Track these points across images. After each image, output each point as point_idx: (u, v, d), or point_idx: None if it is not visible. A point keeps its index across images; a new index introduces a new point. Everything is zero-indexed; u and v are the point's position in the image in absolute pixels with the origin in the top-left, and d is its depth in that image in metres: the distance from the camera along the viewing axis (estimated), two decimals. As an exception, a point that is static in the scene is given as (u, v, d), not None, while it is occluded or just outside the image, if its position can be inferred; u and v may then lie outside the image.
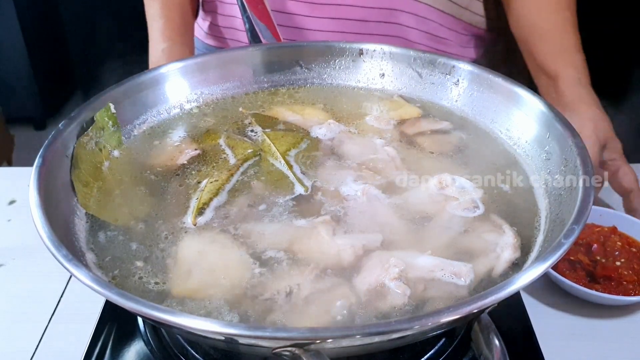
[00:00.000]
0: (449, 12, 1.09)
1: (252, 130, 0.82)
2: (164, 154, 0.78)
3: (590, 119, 0.88)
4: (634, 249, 0.82)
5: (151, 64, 1.02)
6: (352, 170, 0.75)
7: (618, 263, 0.79)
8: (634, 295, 0.76)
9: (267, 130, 0.81)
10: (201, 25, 1.22)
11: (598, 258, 0.80)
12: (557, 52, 0.98)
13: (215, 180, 0.72)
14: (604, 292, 0.76)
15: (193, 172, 0.75)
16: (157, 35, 1.05)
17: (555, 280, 0.78)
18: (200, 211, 0.68)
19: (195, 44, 1.24)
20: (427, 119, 0.85)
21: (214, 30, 1.18)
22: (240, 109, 0.86)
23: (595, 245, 0.81)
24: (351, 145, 0.80)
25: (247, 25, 0.98)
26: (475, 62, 1.17)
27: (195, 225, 0.67)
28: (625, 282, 0.77)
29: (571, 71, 0.95)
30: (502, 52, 1.20)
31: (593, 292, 0.75)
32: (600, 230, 0.84)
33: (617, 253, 0.80)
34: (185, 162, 0.76)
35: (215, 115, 0.86)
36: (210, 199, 0.69)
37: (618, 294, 0.76)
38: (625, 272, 0.78)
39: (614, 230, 0.84)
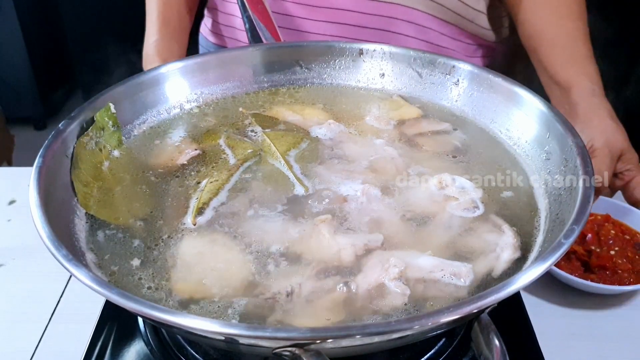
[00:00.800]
0: (452, 22, 1.06)
1: (252, 130, 0.82)
2: (164, 154, 0.78)
3: (603, 131, 0.85)
4: (627, 237, 0.82)
5: (144, 55, 1.03)
6: (352, 170, 0.75)
7: (612, 252, 0.79)
8: (629, 284, 0.76)
9: (267, 130, 0.81)
10: (205, 22, 1.22)
11: (592, 248, 0.80)
12: (569, 61, 0.94)
13: (215, 180, 0.72)
14: (599, 282, 0.76)
15: (193, 173, 0.75)
16: (151, 28, 1.06)
17: (550, 272, 0.78)
18: (200, 211, 0.68)
19: (200, 42, 1.24)
20: (427, 120, 0.85)
21: (215, 27, 1.18)
22: (241, 109, 0.86)
23: (589, 235, 0.81)
24: (351, 146, 0.80)
25: (247, 25, 0.98)
26: None
27: (195, 225, 0.67)
28: (620, 271, 0.77)
29: (584, 81, 0.91)
30: (511, 62, 1.18)
31: (588, 282, 0.76)
32: (594, 219, 0.84)
33: (611, 242, 0.80)
34: (185, 162, 0.76)
35: (215, 115, 0.86)
36: (210, 199, 0.69)
37: (613, 283, 0.76)
38: (620, 261, 0.78)
39: (607, 218, 0.84)
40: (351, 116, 0.86)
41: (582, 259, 0.80)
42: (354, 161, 0.77)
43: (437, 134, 0.82)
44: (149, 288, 0.60)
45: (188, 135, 0.82)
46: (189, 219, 0.67)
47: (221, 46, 1.18)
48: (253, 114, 0.85)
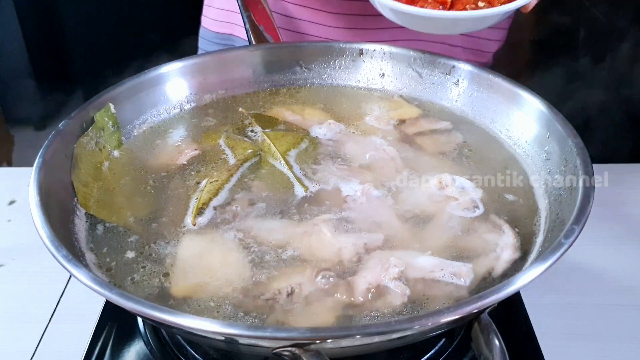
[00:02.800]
0: None
1: (252, 131, 0.82)
2: (164, 154, 0.78)
3: None
4: None
5: None
6: (352, 170, 0.75)
7: None
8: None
9: (267, 130, 0.81)
10: (206, 13, 1.20)
11: None
12: None
13: (215, 181, 0.72)
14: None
15: (193, 173, 0.75)
16: None
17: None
18: (200, 211, 0.68)
19: (202, 34, 1.22)
20: (427, 119, 0.84)
21: (219, 15, 1.16)
22: (240, 109, 0.86)
23: None
24: (351, 145, 0.80)
25: (247, 25, 0.97)
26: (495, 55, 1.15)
27: (194, 225, 0.67)
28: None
29: None
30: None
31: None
32: None
33: None
34: (185, 162, 0.76)
35: (215, 115, 0.86)
36: (210, 199, 0.69)
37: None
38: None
39: None
40: (351, 116, 0.86)
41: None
42: (354, 161, 0.77)
43: (437, 133, 0.82)
44: (151, 287, 0.60)
45: (188, 135, 0.82)
46: (188, 220, 0.67)
47: (228, 35, 1.16)
48: (253, 114, 0.85)
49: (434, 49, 1.07)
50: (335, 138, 0.81)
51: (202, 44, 1.21)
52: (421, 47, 1.06)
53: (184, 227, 0.67)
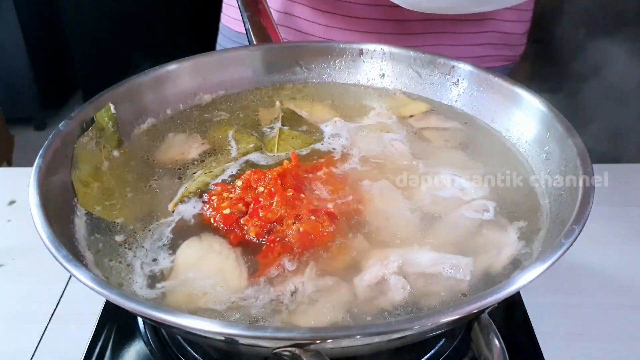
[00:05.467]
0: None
1: (270, 127, 0.82)
2: (164, 155, 0.78)
3: None
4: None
5: None
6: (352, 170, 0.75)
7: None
8: None
9: (284, 127, 0.81)
10: (225, 11, 1.20)
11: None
12: None
13: (209, 172, 0.72)
14: None
15: (193, 173, 0.75)
16: None
17: None
18: (183, 200, 0.68)
19: (222, 31, 1.22)
20: (435, 116, 0.84)
21: (237, 14, 1.16)
22: (278, 102, 0.86)
23: None
24: (358, 143, 0.79)
25: (247, 26, 0.97)
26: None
27: (173, 212, 0.67)
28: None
29: None
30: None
31: None
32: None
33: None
34: (185, 162, 0.76)
35: (215, 115, 0.86)
36: (197, 189, 0.70)
37: None
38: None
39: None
40: (357, 113, 0.85)
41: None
42: (356, 159, 0.76)
43: (439, 130, 0.82)
44: (151, 288, 0.60)
45: (188, 136, 0.82)
46: (169, 205, 0.67)
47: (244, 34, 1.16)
48: (285, 108, 0.85)
49: (459, 51, 1.06)
50: (341, 135, 0.81)
51: (222, 40, 1.21)
52: (446, 50, 1.04)
53: (184, 226, 0.66)
